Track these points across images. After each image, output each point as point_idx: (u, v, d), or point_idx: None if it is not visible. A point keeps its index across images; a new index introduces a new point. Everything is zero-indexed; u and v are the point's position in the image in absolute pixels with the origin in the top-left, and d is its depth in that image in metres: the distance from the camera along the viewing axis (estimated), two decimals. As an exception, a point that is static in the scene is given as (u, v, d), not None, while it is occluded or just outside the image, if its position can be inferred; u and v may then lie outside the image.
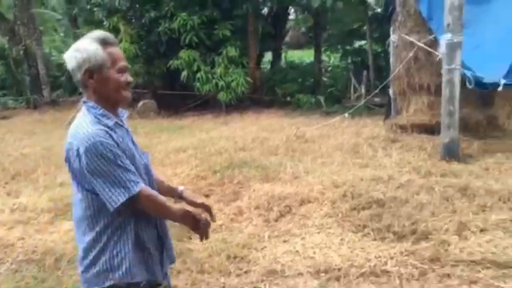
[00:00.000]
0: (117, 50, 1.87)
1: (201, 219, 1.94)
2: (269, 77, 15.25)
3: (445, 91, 6.14)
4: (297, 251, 3.97)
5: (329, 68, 17.68)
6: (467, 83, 6.32)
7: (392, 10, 9.19)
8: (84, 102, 1.86)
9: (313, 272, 3.60)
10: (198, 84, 12.95)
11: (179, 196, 2.21)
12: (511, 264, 3.51)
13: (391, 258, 3.76)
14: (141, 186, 1.80)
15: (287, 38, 27.38)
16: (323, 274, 3.59)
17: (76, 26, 15.28)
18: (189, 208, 1.97)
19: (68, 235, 4.50)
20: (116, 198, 1.75)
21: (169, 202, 1.93)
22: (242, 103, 13.85)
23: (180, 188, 2.20)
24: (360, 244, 4.06)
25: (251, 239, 4.24)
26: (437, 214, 4.46)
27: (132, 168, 1.81)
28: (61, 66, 18.34)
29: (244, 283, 3.57)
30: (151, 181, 1.99)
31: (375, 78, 12.39)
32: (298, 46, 24.82)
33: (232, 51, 13.00)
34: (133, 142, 1.95)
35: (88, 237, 1.84)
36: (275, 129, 9.48)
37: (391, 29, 9.16)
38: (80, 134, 1.76)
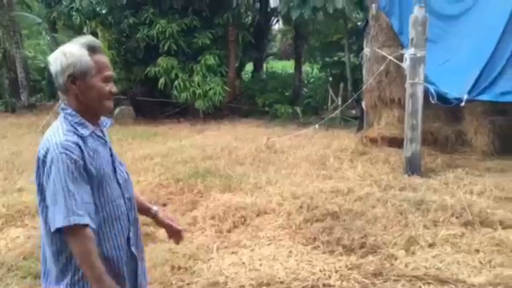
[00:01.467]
0: (104, 58, 1.80)
1: None
2: (248, 87, 15.26)
3: (408, 105, 6.18)
4: (243, 263, 3.92)
5: (312, 80, 17.79)
6: (430, 98, 6.36)
7: (365, 24, 9.27)
8: (62, 109, 1.78)
9: (256, 285, 3.55)
10: (175, 92, 12.92)
11: (152, 216, 2.17)
12: (451, 280, 3.50)
13: (336, 271, 3.73)
14: (84, 222, 1.63)
15: (275, 49, 27.60)
16: (265, 287, 3.54)
17: (55, 30, 15.16)
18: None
19: (14, 242, 4.41)
20: (55, 220, 1.63)
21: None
22: (220, 112, 13.85)
23: (155, 208, 2.17)
24: (308, 257, 4.02)
25: (199, 250, 4.18)
26: (389, 228, 4.46)
27: (86, 198, 1.67)
28: (42, 70, 18.22)
29: (185, 295, 3.51)
30: (130, 197, 1.90)
31: (352, 91, 12.44)
32: (286, 57, 25.05)
33: (211, 60, 13.01)
34: (112, 155, 1.87)
35: (57, 263, 1.76)
36: (248, 139, 9.44)
37: (364, 42, 9.24)
38: (51, 142, 1.68)
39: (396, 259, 3.91)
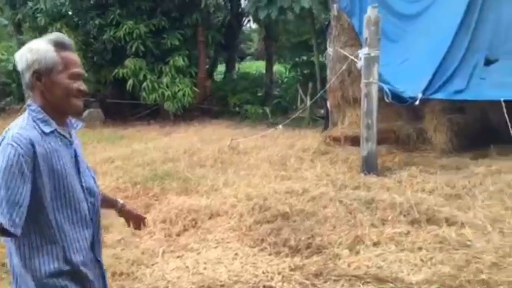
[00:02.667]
0: (72, 55, 1.72)
1: None
2: (219, 88, 15.23)
3: (363, 105, 6.23)
4: (187, 267, 3.90)
5: (285, 79, 17.83)
6: (385, 97, 6.43)
7: (328, 24, 9.33)
8: (28, 105, 1.71)
9: (197, 289, 3.53)
10: (144, 94, 12.83)
11: (119, 209, 2.18)
12: (390, 278, 3.53)
13: (279, 273, 3.73)
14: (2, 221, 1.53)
15: (253, 49, 27.59)
16: (205, 291, 3.53)
17: (21, 32, 14.92)
18: None
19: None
20: None
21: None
22: (191, 113, 13.79)
23: (121, 201, 2.21)
24: (253, 259, 4.01)
25: (144, 254, 4.14)
26: (337, 228, 4.48)
27: (18, 195, 1.55)
28: (11, 73, 17.90)
29: (124, 301, 3.48)
30: (94, 202, 1.82)
31: (320, 90, 12.49)
32: (262, 57, 25.03)
33: (180, 61, 12.96)
34: (76, 157, 1.77)
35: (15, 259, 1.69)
36: (213, 140, 9.42)
37: (328, 42, 9.29)
38: (7, 133, 1.62)
39: (340, 259, 3.92)
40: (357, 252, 4.01)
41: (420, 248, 4.02)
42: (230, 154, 7.95)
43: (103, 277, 1.88)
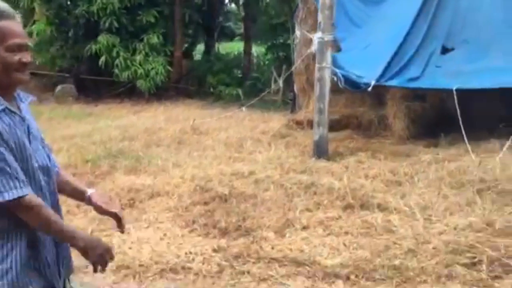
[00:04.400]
0: (11, 24, 1.57)
1: (113, 256, 1.71)
2: (196, 68, 15.12)
3: (316, 89, 6.23)
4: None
5: (266, 62, 17.72)
6: (338, 83, 6.43)
7: (296, 7, 9.26)
8: None
9: (115, 268, 3.56)
10: (117, 71, 12.69)
11: (87, 201, 1.87)
12: (308, 262, 3.58)
13: (202, 254, 3.77)
14: (25, 192, 1.51)
15: (240, 30, 27.29)
16: (124, 270, 3.56)
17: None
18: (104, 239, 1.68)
19: None
20: None
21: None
22: (166, 92, 13.70)
23: (90, 191, 1.87)
24: (180, 240, 4.05)
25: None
26: (272, 211, 4.52)
27: (14, 165, 1.53)
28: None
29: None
30: (49, 182, 1.70)
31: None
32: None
33: (154, 39, 12.80)
34: (29, 134, 1.66)
35: None
36: (179, 120, 9.39)
37: (296, 25, 9.23)
38: None
39: (266, 241, 3.97)
40: (283, 236, 4.06)
41: (346, 233, 4.07)
42: (190, 134, 7.94)
43: (57, 257, 1.74)
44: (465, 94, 6.22)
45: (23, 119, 1.64)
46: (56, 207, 1.73)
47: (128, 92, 13.92)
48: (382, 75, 6.58)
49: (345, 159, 6.22)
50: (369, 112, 8.45)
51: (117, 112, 11.22)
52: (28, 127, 1.66)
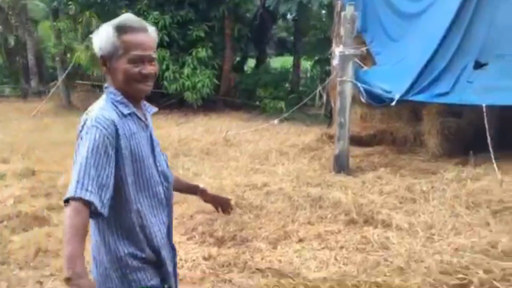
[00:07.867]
0: (135, 38, 1.63)
1: None
2: (244, 81, 15.37)
3: (336, 103, 6.16)
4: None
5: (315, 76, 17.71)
6: (361, 97, 6.33)
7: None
8: (106, 87, 1.71)
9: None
10: (166, 83, 13.19)
11: (201, 193, 2.19)
12: (292, 274, 3.55)
13: (191, 261, 3.85)
14: (90, 199, 1.46)
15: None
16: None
17: (58, 18, 15.74)
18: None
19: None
20: (70, 188, 1.49)
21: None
22: (214, 104, 14.05)
23: (201, 186, 2.21)
24: (177, 247, 4.13)
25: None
26: (273, 222, 4.52)
27: (103, 179, 1.52)
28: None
29: None
30: (168, 187, 1.81)
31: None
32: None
33: (202, 52, 13.20)
34: (153, 140, 1.76)
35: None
36: (215, 132, 9.59)
37: (333, 40, 9.19)
38: (89, 116, 1.61)
39: (257, 252, 3.98)
40: (276, 248, 4.05)
41: (341, 247, 4.01)
42: (220, 145, 8.09)
43: (173, 261, 1.91)
44: (507, 113, 5.93)
45: (147, 126, 1.75)
46: (171, 210, 1.88)
47: (177, 104, 14.40)
48: (409, 90, 6.39)
49: (364, 174, 6.10)
50: (404, 128, 8.24)
51: (161, 123, 11.58)
52: (150, 134, 1.77)
